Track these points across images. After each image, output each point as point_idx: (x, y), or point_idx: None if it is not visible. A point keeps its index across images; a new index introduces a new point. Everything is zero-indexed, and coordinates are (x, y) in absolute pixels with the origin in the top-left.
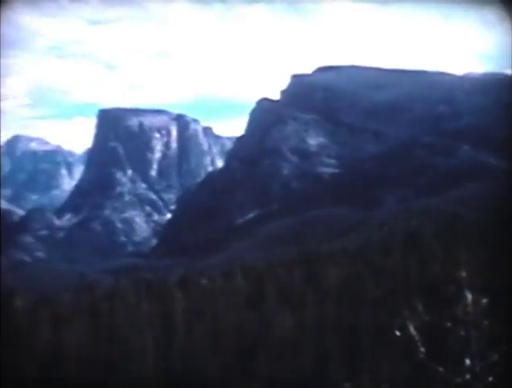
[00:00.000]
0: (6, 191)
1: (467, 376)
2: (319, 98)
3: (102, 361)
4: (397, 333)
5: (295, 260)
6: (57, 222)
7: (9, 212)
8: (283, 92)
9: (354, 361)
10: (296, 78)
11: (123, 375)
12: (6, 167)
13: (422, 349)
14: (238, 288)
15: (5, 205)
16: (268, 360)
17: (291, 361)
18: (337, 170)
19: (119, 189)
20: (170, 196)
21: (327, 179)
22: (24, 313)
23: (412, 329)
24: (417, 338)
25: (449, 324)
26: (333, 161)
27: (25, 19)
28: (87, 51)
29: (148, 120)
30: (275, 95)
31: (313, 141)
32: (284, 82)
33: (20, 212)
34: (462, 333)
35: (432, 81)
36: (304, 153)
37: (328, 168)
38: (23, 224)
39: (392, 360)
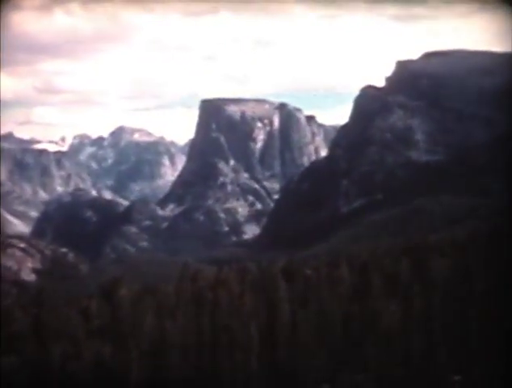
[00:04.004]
0: (110, 182)
1: None
2: (425, 84)
3: (207, 351)
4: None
5: (401, 250)
6: (161, 213)
7: (113, 203)
8: (388, 79)
9: (462, 354)
10: (401, 65)
11: (227, 365)
12: (110, 158)
13: None
14: (343, 277)
15: (109, 196)
16: (375, 350)
17: (398, 352)
18: (444, 158)
19: (221, 179)
20: (273, 186)
21: (433, 167)
22: (129, 302)
23: None
24: None
25: None
26: (439, 148)
27: (124, 14)
28: (186, 42)
29: (250, 110)
30: (380, 82)
31: (419, 128)
32: (389, 69)
33: (124, 202)
34: None
35: None
36: (409, 141)
37: (434, 156)
38: (128, 214)
39: (502, 353)
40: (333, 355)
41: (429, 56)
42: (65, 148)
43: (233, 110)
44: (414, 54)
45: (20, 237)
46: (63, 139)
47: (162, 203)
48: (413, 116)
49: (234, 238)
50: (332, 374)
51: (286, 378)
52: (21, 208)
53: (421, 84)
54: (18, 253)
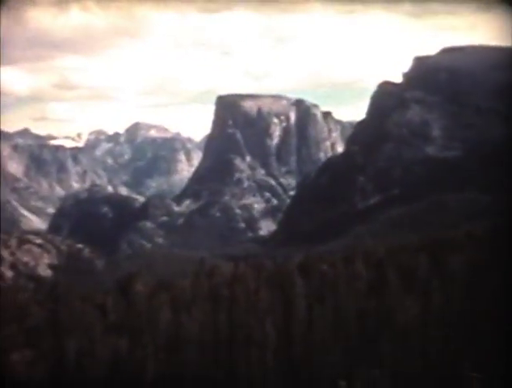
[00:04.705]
0: (127, 178)
1: None
2: (443, 79)
3: (223, 347)
4: None
5: (418, 246)
6: (177, 208)
7: (130, 199)
8: (406, 75)
9: (480, 351)
10: (419, 60)
11: (243, 361)
12: (127, 154)
13: None
14: (359, 273)
15: (125, 192)
16: (391, 346)
17: (414, 348)
18: (462, 154)
19: (237, 175)
20: (290, 182)
21: (451, 163)
22: (145, 297)
23: None
24: None
25: None
26: (457, 144)
27: (139, 10)
28: (202, 38)
29: (266, 106)
30: (397, 78)
31: (437, 123)
32: (406, 65)
33: (140, 198)
34: None
35: None
36: (426, 137)
37: (452, 151)
38: (144, 210)
39: None
40: (349, 351)
41: (446, 51)
42: (81, 144)
43: (250, 106)
44: (430, 50)
45: (37, 232)
46: (79, 135)
47: (178, 199)
48: (431, 112)
49: (250, 234)
50: (348, 370)
51: (302, 374)
52: (38, 203)
53: (439, 79)
54: (35, 249)
